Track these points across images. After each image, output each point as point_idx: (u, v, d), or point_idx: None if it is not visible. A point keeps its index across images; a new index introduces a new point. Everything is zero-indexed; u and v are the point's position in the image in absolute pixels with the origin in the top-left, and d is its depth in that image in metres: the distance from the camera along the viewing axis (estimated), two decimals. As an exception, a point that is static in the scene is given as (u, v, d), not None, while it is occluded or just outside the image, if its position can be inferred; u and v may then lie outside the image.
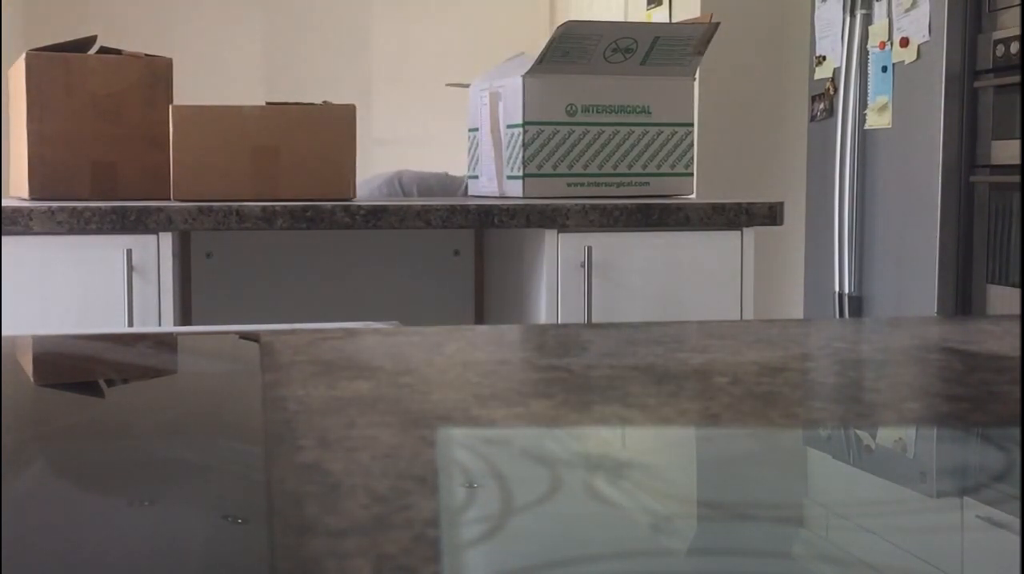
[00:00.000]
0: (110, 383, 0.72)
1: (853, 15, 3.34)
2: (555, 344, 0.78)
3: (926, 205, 3.11)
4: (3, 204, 2.04)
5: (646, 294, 2.17)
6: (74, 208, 1.99)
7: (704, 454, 0.53)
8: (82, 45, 2.29)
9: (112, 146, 2.24)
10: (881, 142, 3.29)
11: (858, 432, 0.55)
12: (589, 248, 2.13)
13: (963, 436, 0.54)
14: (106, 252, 1.99)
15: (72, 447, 0.54)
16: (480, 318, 2.56)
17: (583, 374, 0.66)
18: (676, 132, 2.41)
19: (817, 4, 3.56)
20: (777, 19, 4.18)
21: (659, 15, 4.52)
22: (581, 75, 2.34)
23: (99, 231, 1.99)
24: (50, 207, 1.98)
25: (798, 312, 3.92)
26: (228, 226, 2.04)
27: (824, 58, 3.52)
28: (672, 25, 2.76)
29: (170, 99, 2.26)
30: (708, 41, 2.41)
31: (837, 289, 3.43)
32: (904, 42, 3.16)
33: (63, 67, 2.22)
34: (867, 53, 3.32)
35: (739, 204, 2.22)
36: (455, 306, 2.54)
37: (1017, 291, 2.89)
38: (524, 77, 2.31)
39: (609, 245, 2.15)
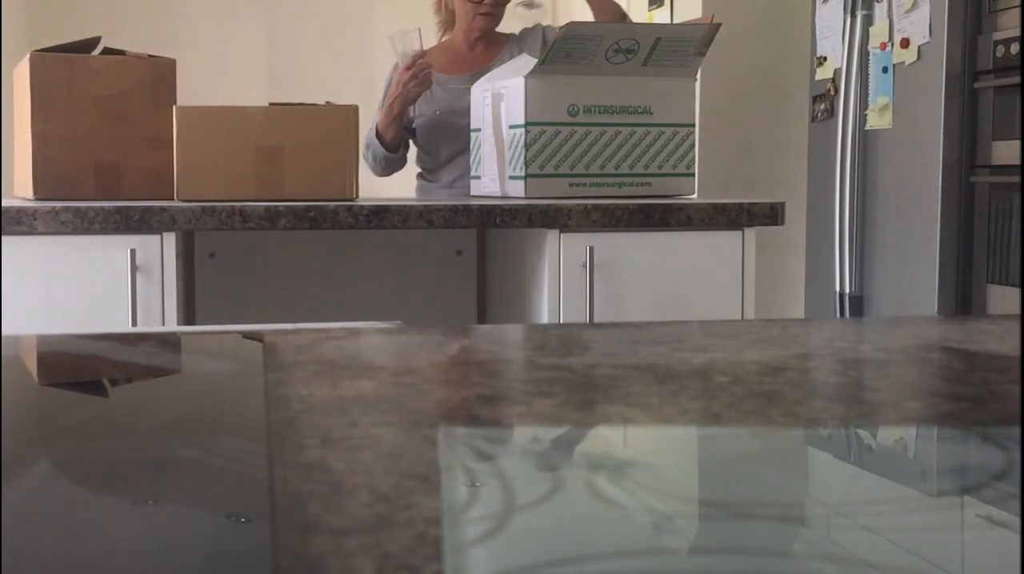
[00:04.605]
0: (114, 382, 0.72)
1: (854, 16, 3.34)
2: (557, 344, 0.79)
3: (926, 205, 3.11)
4: (8, 204, 2.04)
5: (648, 294, 2.17)
6: (78, 208, 1.99)
7: (706, 453, 0.53)
8: (86, 46, 2.29)
9: (116, 146, 2.24)
10: (882, 142, 3.29)
11: (859, 431, 0.55)
12: (591, 248, 2.13)
13: (963, 435, 0.54)
14: (110, 252, 2.00)
15: (76, 446, 0.54)
16: (482, 318, 2.56)
17: (585, 373, 0.66)
18: (677, 132, 2.41)
19: (818, 5, 3.56)
20: (778, 20, 4.18)
21: (660, 16, 4.52)
22: (583, 76, 2.34)
23: (103, 231, 2.00)
24: (54, 207, 1.99)
25: (799, 312, 3.92)
26: (231, 226, 2.04)
27: (825, 59, 3.52)
28: (673, 26, 2.76)
29: (174, 100, 2.26)
30: (709, 42, 2.41)
31: (838, 289, 3.43)
32: (904, 43, 3.16)
33: (67, 68, 2.22)
34: (868, 54, 3.32)
35: (740, 204, 2.22)
36: (457, 306, 2.54)
37: (1017, 291, 2.89)
38: (526, 78, 2.31)
39: (611, 245, 2.15)
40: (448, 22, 3.01)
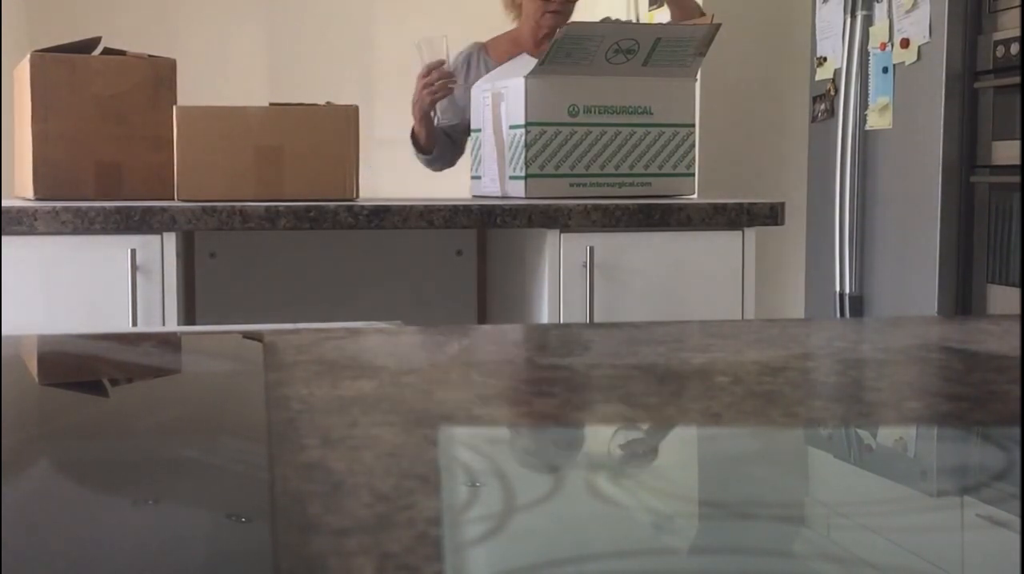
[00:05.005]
0: (114, 382, 0.72)
1: (854, 16, 3.34)
2: (557, 343, 0.79)
3: (926, 205, 3.11)
4: (8, 204, 2.04)
5: (648, 294, 2.17)
6: (78, 208, 1.99)
7: (706, 453, 0.53)
8: (86, 46, 2.29)
9: (116, 146, 2.24)
10: (882, 143, 3.29)
11: (859, 431, 0.55)
12: (591, 248, 2.13)
13: (963, 435, 0.54)
14: (110, 252, 2.00)
15: (76, 446, 0.54)
16: (483, 318, 2.56)
17: (585, 373, 0.66)
18: (678, 133, 2.41)
19: (818, 5, 3.56)
20: (778, 20, 4.18)
21: (661, 16, 4.52)
22: (583, 76, 2.34)
23: (103, 231, 2.00)
24: (55, 207, 1.99)
25: (799, 312, 3.92)
26: (232, 226, 2.04)
27: (825, 59, 3.52)
28: (673, 26, 2.75)
29: (174, 100, 2.26)
30: (710, 42, 2.41)
31: (838, 289, 3.43)
32: (904, 43, 3.16)
33: (67, 68, 2.22)
34: (868, 54, 3.32)
35: (740, 204, 2.22)
36: (458, 306, 2.54)
37: (1017, 291, 2.89)
38: (526, 78, 2.31)
39: (611, 245, 2.15)
40: (519, 17, 2.99)
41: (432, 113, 2.79)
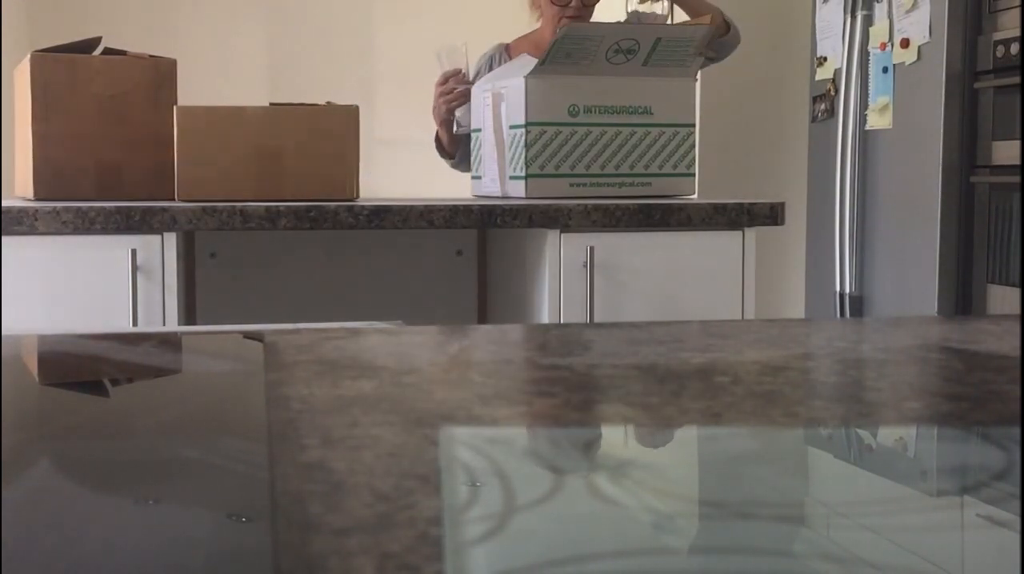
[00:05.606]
0: (115, 382, 0.72)
1: (854, 16, 3.34)
2: (557, 343, 0.79)
3: (926, 205, 3.11)
4: (8, 204, 2.04)
5: (648, 294, 2.17)
6: (79, 208, 1.99)
7: (706, 453, 0.53)
8: (87, 46, 2.29)
9: (117, 147, 2.24)
10: (882, 142, 3.29)
11: (859, 431, 0.55)
12: (591, 248, 2.13)
13: (963, 435, 0.54)
14: (111, 252, 2.00)
15: (77, 446, 0.54)
16: (483, 318, 2.56)
17: (585, 373, 0.66)
18: (678, 133, 2.41)
19: (818, 5, 3.56)
20: (778, 20, 4.18)
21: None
22: (583, 76, 2.34)
23: (104, 231, 2.00)
24: (55, 207, 1.99)
25: (799, 312, 3.92)
26: (232, 226, 2.04)
27: (825, 59, 3.52)
28: (673, 26, 2.75)
29: (174, 100, 2.26)
30: (709, 42, 2.41)
31: (838, 289, 3.43)
32: (905, 43, 3.16)
33: (68, 68, 2.22)
34: (868, 54, 3.32)
35: (740, 204, 2.22)
36: (458, 306, 2.54)
37: (1017, 291, 2.89)
38: (527, 78, 2.31)
39: (611, 245, 2.15)
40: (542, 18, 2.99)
41: (451, 118, 2.82)
